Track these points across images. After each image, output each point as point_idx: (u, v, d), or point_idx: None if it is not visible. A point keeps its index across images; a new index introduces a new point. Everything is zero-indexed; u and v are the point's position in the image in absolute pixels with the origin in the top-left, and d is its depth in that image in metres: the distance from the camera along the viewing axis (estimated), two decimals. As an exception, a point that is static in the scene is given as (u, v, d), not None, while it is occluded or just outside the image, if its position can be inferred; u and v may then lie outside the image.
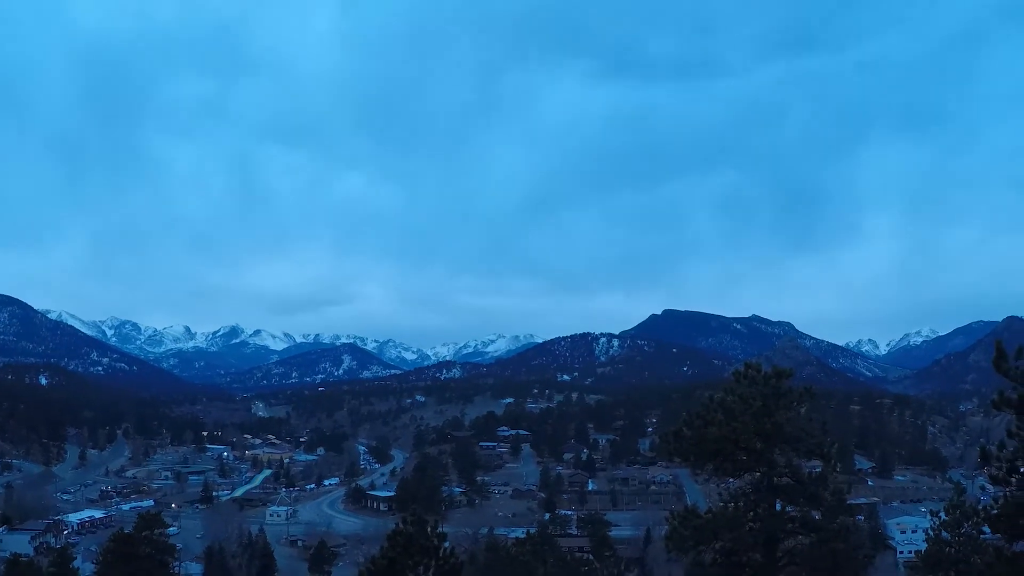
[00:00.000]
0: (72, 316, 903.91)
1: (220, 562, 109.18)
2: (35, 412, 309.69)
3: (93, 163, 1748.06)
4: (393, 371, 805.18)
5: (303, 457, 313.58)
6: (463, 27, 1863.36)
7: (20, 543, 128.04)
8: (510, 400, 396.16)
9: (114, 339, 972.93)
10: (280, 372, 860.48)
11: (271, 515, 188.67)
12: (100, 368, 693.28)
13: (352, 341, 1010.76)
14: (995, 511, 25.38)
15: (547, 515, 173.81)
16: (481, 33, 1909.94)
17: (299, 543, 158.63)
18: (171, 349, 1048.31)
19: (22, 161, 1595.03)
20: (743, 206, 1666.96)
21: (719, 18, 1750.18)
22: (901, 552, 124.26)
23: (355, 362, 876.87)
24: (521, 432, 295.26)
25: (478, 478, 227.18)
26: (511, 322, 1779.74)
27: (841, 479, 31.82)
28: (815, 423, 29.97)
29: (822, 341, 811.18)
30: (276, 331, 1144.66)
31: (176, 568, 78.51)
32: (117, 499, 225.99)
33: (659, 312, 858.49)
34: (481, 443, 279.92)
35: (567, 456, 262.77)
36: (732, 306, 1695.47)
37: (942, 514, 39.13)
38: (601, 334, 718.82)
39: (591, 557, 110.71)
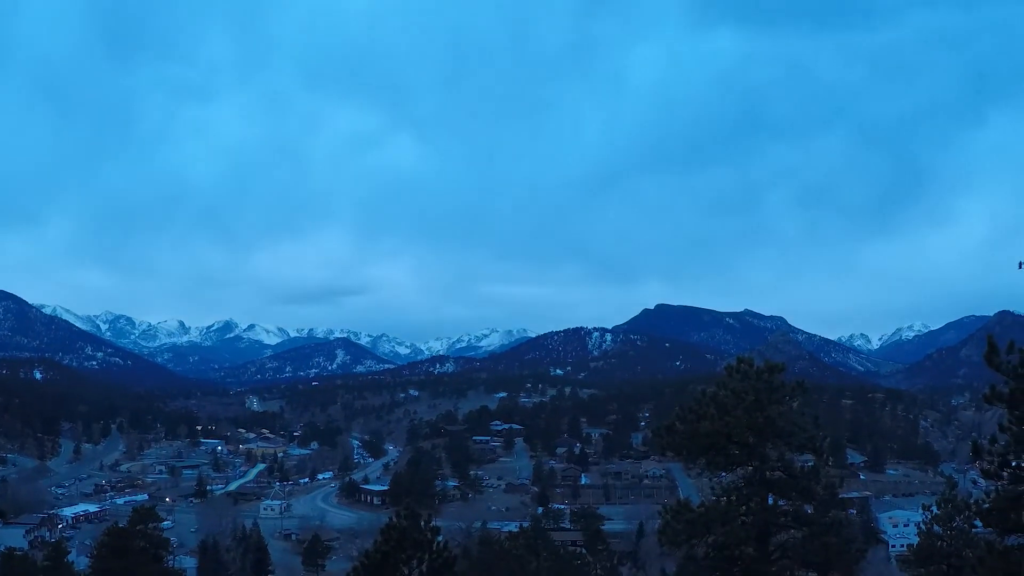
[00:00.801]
0: (66, 310, 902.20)
1: (214, 556, 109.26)
2: (29, 407, 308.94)
3: (88, 125, 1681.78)
4: (387, 365, 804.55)
5: (297, 451, 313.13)
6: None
7: (15, 537, 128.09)
8: (503, 394, 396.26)
9: (108, 334, 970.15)
10: (274, 367, 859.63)
11: (265, 509, 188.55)
12: (94, 363, 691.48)
13: (346, 336, 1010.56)
14: (987, 505, 25.49)
15: (540, 509, 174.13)
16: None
17: (293, 537, 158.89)
18: (165, 344, 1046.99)
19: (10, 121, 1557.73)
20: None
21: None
22: (893, 546, 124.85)
23: (349, 356, 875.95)
24: (514, 426, 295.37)
25: (471, 472, 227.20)
26: (504, 316, 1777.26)
27: (833, 473, 32.02)
28: (807, 417, 30.02)
29: (814, 335, 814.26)
30: (270, 326, 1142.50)
31: (170, 562, 78.40)
32: (111, 493, 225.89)
33: (652, 306, 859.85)
34: (474, 437, 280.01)
35: (560, 450, 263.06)
36: (726, 300, 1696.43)
37: (934, 508, 39.33)
38: (594, 328, 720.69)
39: (584, 551, 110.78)
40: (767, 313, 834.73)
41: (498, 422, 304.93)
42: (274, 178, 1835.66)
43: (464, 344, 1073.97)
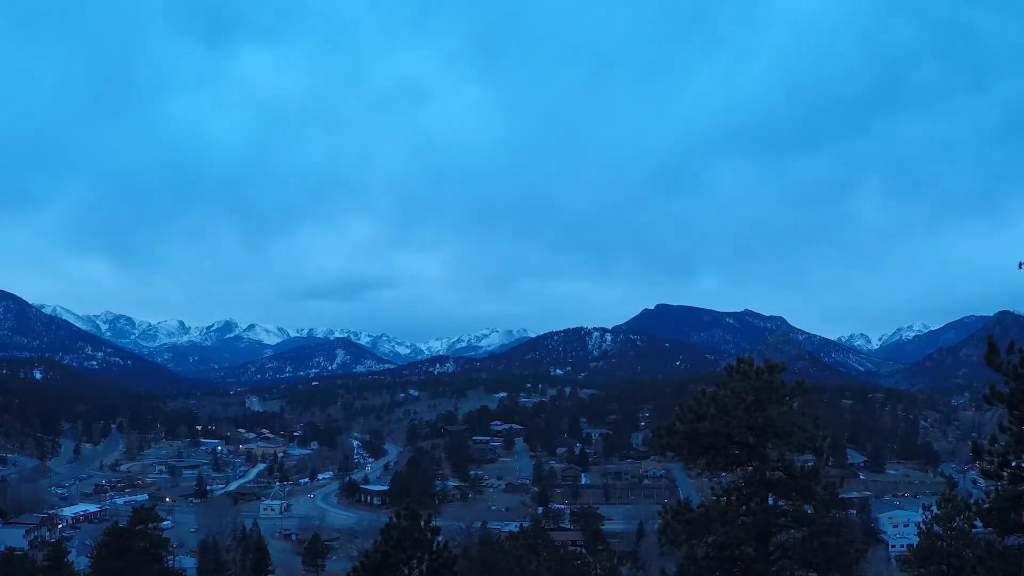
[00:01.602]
0: (66, 310, 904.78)
1: (214, 556, 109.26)
2: (30, 406, 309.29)
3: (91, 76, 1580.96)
4: (387, 365, 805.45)
5: (297, 451, 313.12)
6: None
7: (15, 537, 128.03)
8: (503, 394, 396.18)
9: (108, 333, 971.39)
10: (274, 367, 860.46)
11: (265, 509, 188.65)
12: (94, 363, 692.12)
13: (346, 336, 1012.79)
14: (987, 505, 25.44)
15: (540, 509, 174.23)
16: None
17: (293, 537, 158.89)
18: (165, 344, 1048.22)
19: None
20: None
21: None
22: (893, 546, 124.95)
23: (349, 356, 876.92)
24: (514, 426, 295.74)
25: (471, 472, 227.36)
26: (504, 317, 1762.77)
27: (833, 473, 32.01)
28: (807, 417, 29.97)
29: (814, 336, 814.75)
30: (270, 325, 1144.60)
31: (170, 562, 78.35)
32: (111, 493, 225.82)
33: (652, 307, 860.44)
34: (474, 437, 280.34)
35: (560, 450, 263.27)
36: (727, 301, 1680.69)
37: (934, 508, 39.25)
38: (594, 328, 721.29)
39: (584, 551, 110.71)
40: (767, 313, 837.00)
41: (498, 422, 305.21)
42: (303, 148, 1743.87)
43: (464, 344, 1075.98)
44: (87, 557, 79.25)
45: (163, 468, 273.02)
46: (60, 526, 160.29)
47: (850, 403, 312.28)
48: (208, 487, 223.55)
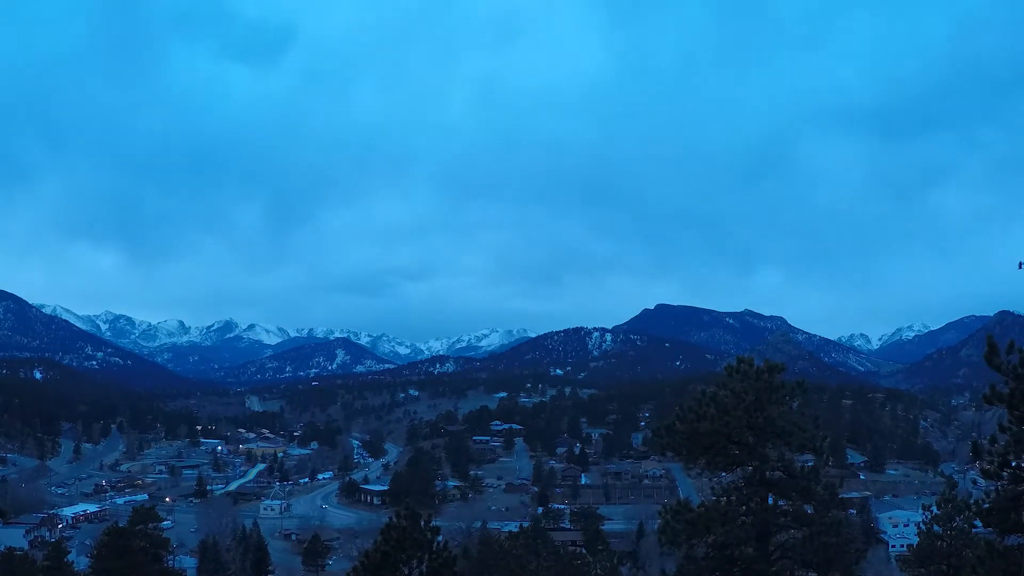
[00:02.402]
0: (66, 310, 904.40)
1: (214, 556, 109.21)
2: (29, 406, 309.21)
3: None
4: (386, 365, 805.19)
5: (297, 451, 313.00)
6: None
7: (15, 537, 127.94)
8: (503, 394, 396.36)
9: (108, 333, 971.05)
10: (274, 366, 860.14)
11: (265, 509, 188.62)
12: (94, 362, 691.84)
13: (345, 335, 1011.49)
14: (987, 505, 25.46)
15: (540, 509, 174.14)
16: None
17: (293, 537, 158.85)
18: (165, 343, 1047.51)
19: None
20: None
21: None
22: (893, 546, 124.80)
23: (348, 356, 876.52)
24: (514, 426, 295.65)
25: (471, 472, 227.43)
26: (504, 316, 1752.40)
27: (833, 473, 31.98)
28: (807, 417, 30.00)
29: (814, 336, 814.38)
30: (270, 325, 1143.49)
31: (170, 562, 78.40)
32: (111, 493, 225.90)
33: (652, 307, 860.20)
34: (474, 437, 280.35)
35: (560, 450, 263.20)
36: (727, 301, 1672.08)
37: (934, 508, 39.32)
38: (594, 328, 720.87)
39: (584, 551, 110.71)
40: (767, 313, 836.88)
41: (498, 422, 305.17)
42: (325, 123, 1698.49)
43: (464, 344, 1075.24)
44: (87, 557, 79.31)
45: (163, 468, 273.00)
46: (60, 526, 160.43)
47: (850, 403, 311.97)
48: (208, 487, 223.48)
